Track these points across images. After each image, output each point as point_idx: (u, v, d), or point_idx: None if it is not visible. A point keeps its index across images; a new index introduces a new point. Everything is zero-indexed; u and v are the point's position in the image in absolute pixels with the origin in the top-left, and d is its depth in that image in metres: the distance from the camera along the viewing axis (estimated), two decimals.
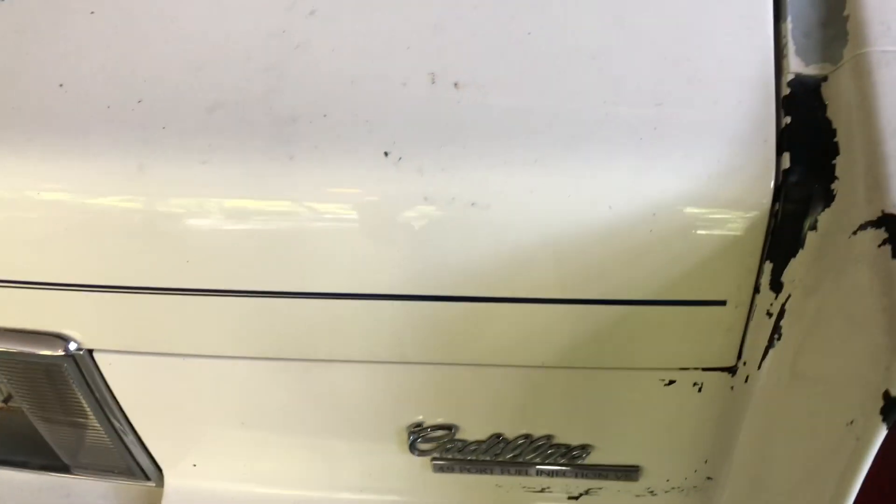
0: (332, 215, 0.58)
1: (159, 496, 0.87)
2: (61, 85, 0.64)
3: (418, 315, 0.61)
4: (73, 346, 0.70)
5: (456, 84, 0.60)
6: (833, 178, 0.52)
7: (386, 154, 0.57)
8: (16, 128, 0.62)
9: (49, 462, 0.90)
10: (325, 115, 0.59)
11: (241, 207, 0.59)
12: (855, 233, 0.47)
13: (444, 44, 0.62)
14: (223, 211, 0.60)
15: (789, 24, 0.60)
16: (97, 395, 0.75)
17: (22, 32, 0.68)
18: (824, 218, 0.53)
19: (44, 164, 0.61)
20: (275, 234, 0.60)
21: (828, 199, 0.53)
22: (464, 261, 0.59)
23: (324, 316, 0.63)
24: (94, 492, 0.89)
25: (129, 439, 0.80)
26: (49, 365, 0.72)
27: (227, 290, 0.63)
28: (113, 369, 0.72)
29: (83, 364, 0.72)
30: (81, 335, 0.69)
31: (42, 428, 0.82)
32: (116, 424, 0.80)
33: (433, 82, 0.60)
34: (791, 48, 0.58)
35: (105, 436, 0.81)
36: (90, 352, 0.71)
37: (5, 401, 0.94)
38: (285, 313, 0.65)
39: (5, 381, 0.77)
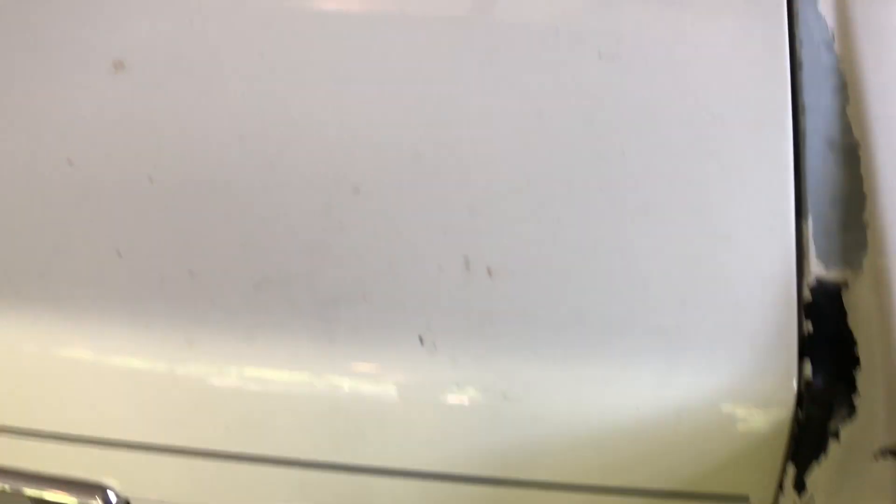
0: (369, 397, 0.61)
1: None
2: (119, 254, 0.68)
3: (445, 495, 0.63)
4: (112, 497, 0.73)
5: (489, 271, 0.63)
6: (854, 390, 0.54)
7: (421, 340, 0.60)
8: (74, 294, 0.66)
9: None
10: (364, 298, 0.62)
11: (283, 384, 0.62)
12: (876, 458, 0.48)
13: (478, 228, 0.66)
14: (265, 386, 0.63)
15: (810, 224, 0.62)
16: None
17: (82, 198, 0.73)
18: (847, 430, 0.54)
19: (100, 330, 0.65)
20: (313, 410, 0.62)
21: (850, 410, 0.54)
22: (491, 446, 0.61)
23: (352, 488, 0.65)
24: None
25: None
26: None
27: (262, 458, 0.66)
28: None
29: None
30: (121, 487, 0.72)
31: None
32: None
33: (467, 268, 0.63)
34: (812, 250, 0.61)
35: None
36: (127, 502, 0.74)
37: None
38: (315, 483, 0.67)
39: None
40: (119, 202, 0.72)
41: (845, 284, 0.58)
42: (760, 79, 0.74)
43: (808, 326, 0.57)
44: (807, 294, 0.58)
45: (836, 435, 0.55)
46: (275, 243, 0.67)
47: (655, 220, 0.63)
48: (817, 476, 0.56)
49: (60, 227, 0.71)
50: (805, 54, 0.75)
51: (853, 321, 0.56)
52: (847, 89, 0.72)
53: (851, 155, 0.67)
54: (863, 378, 0.54)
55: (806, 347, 0.57)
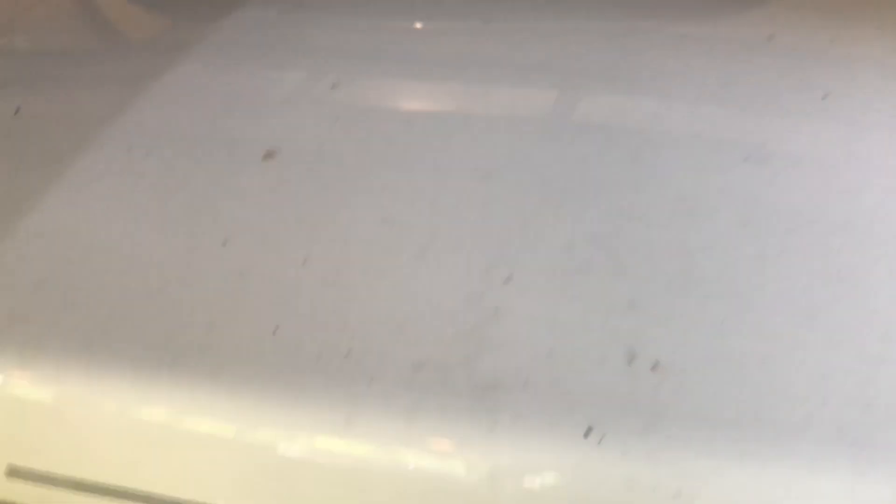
0: (531, 489, 0.59)
1: None
2: (274, 332, 0.70)
3: None
4: None
5: (654, 366, 0.62)
6: None
7: (587, 432, 0.59)
8: (231, 370, 0.67)
9: None
10: (525, 385, 0.62)
11: (441, 467, 0.61)
12: None
13: (640, 322, 0.65)
14: (424, 467, 0.62)
15: None
16: None
17: (238, 278, 0.75)
18: None
19: (256, 408, 0.65)
20: (471, 496, 0.61)
21: None
22: None
23: None
24: None
25: None
26: None
27: None
28: None
29: None
30: None
31: None
32: None
33: (630, 363, 0.62)
34: None
35: None
36: None
37: None
38: None
39: None
40: (273, 282, 0.74)
41: None
42: None
43: None
44: None
45: None
46: (430, 327, 0.68)
47: (828, 320, 0.62)
48: None
49: (217, 304, 0.73)
50: None
51: None
52: None
53: None
54: None
55: None
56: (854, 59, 0.97)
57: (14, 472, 0.75)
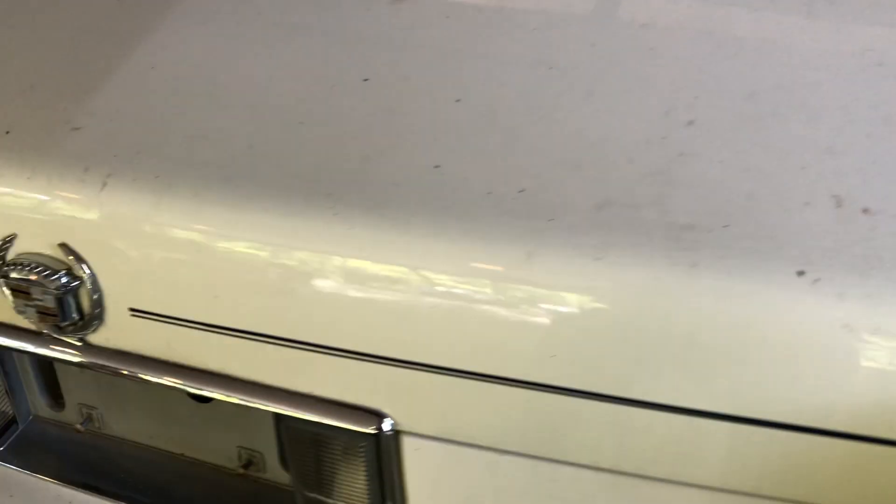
0: (733, 329, 0.56)
1: None
2: (437, 166, 0.65)
3: (797, 449, 0.57)
4: (386, 426, 0.69)
5: (865, 210, 0.58)
6: None
7: (800, 274, 0.55)
8: (396, 204, 0.63)
9: None
10: (725, 226, 0.58)
11: (633, 310, 0.57)
12: None
13: (842, 168, 0.60)
14: (609, 311, 0.58)
15: None
16: (386, 478, 0.72)
17: (391, 112, 0.70)
18: None
19: (425, 242, 0.61)
20: (665, 342, 0.57)
21: None
22: (874, 395, 0.55)
23: (678, 433, 0.60)
24: None
25: None
26: (354, 441, 0.70)
27: (585, 392, 0.61)
28: (417, 454, 0.70)
29: (387, 445, 0.70)
30: (399, 415, 0.68)
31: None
32: None
33: (838, 206, 0.58)
34: None
35: None
36: (397, 434, 0.69)
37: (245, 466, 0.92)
38: (633, 424, 0.61)
39: (293, 448, 0.75)
40: (425, 120, 0.69)
41: None
42: None
43: None
44: None
45: None
46: (610, 168, 0.63)
47: None
48: None
49: (368, 139, 0.68)
50: None
51: None
52: None
53: None
54: None
55: None
56: None
57: (137, 313, 0.72)
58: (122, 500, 0.93)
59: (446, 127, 0.68)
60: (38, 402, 1.03)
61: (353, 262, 0.63)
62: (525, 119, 0.67)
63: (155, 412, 0.96)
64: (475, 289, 0.59)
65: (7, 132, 0.74)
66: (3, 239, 0.72)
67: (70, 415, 1.02)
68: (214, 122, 0.72)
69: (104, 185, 0.68)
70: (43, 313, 0.72)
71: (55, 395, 1.02)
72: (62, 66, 0.81)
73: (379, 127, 0.68)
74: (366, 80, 0.73)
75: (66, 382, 0.99)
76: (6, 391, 0.99)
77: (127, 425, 0.98)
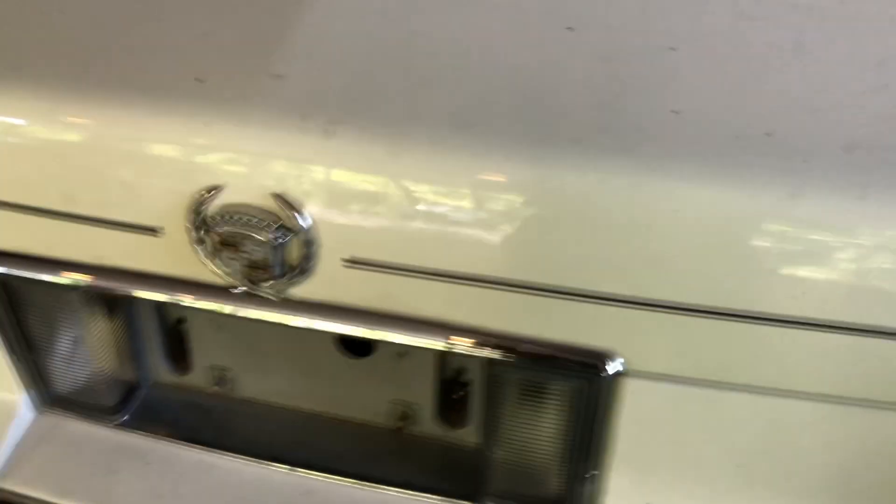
0: None
1: None
2: (676, 112, 0.66)
3: None
4: (615, 366, 0.70)
5: None
6: None
7: None
8: (638, 151, 0.64)
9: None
10: None
11: None
12: None
13: None
14: (870, 248, 0.61)
15: None
16: (598, 420, 0.74)
17: (604, 62, 0.70)
18: None
19: (676, 187, 0.62)
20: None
21: None
22: None
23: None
24: None
25: (587, 469, 0.79)
26: (578, 383, 0.72)
27: (833, 326, 0.64)
28: (636, 394, 0.72)
29: (610, 386, 0.71)
30: (631, 355, 0.69)
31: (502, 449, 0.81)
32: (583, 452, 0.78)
33: None
34: None
35: (555, 462, 0.80)
36: (620, 375, 0.71)
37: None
38: (871, 352, 0.65)
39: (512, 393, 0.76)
40: (639, 70, 0.70)
41: None
42: None
43: None
44: None
45: None
46: (847, 113, 0.65)
47: None
48: None
49: (581, 94, 0.68)
50: None
51: None
52: None
53: None
54: None
55: None
56: None
57: (352, 263, 0.70)
58: (269, 461, 0.92)
59: (670, 74, 0.69)
60: (160, 367, 1.00)
61: (598, 208, 0.64)
62: (747, 67, 0.69)
63: (299, 371, 0.95)
64: (736, 230, 0.62)
65: (201, 80, 0.71)
66: (207, 191, 0.69)
67: (196, 378, 1.00)
68: (424, 70, 0.70)
69: (326, 132, 0.67)
70: (252, 267, 0.71)
71: (180, 359, 1.00)
72: (246, 10, 0.78)
73: (602, 77, 0.69)
74: (569, 28, 0.73)
75: (198, 345, 0.96)
76: (131, 357, 0.96)
77: (263, 386, 0.97)
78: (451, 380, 0.89)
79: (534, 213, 0.65)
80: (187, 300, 0.76)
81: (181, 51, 0.74)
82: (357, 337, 0.75)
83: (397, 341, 0.73)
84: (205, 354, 0.95)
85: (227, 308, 0.76)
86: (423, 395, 0.90)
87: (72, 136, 0.72)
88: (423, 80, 0.70)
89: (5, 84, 0.73)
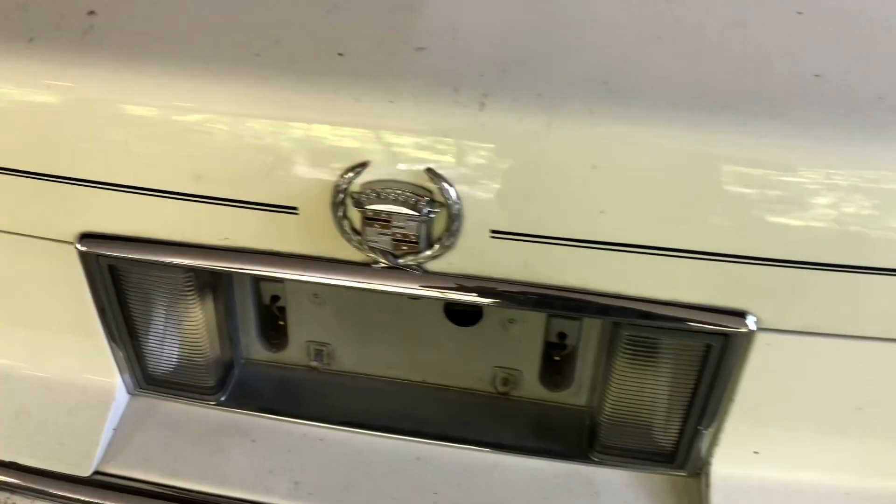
0: None
1: (687, 485, 0.88)
2: (818, 75, 0.68)
3: None
4: (750, 324, 0.72)
5: None
6: None
7: None
8: (786, 117, 0.65)
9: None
10: None
11: None
12: None
13: None
14: None
15: None
16: (722, 375, 0.77)
17: (742, 26, 0.72)
18: None
19: (823, 149, 0.64)
20: None
21: None
22: None
23: None
24: (615, 480, 0.89)
25: (705, 423, 0.82)
26: (712, 341, 0.74)
27: None
28: (766, 349, 0.74)
29: (742, 343, 0.74)
30: (765, 313, 0.72)
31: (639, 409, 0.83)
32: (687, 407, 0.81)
33: None
34: None
35: (674, 418, 0.83)
36: (752, 332, 0.74)
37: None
38: None
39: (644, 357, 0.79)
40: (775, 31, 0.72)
41: None
42: None
43: None
44: None
45: None
46: None
47: None
48: None
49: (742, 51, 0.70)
50: None
51: None
52: None
53: None
54: None
55: None
56: None
57: (498, 234, 0.71)
58: (376, 431, 0.93)
59: (797, 39, 0.71)
60: (253, 345, 0.99)
61: (738, 169, 0.66)
62: (875, 31, 0.72)
63: (402, 342, 0.96)
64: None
65: (340, 54, 0.70)
66: (352, 168, 0.69)
67: (291, 354, 1.00)
68: (571, 38, 0.71)
69: (482, 105, 0.67)
70: (399, 241, 0.71)
71: (275, 337, 0.99)
72: None
73: (737, 44, 0.71)
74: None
75: (295, 321, 0.96)
76: (229, 336, 0.95)
77: (362, 359, 0.97)
78: (556, 343, 0.92)
79: (687, 181, 0.67)
80: (317, 277, 0.76)
81: (320, 26, 0.72)
82: (508, 304, 0.76)
83: (537, 311, 0.75)
84: (301, 330, 0.95)
85: (369, 284, 0.75)
86: (529, 360, 0.92)
87: (197, 118, 0.71)
88: (557, 49, 0.70)
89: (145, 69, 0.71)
